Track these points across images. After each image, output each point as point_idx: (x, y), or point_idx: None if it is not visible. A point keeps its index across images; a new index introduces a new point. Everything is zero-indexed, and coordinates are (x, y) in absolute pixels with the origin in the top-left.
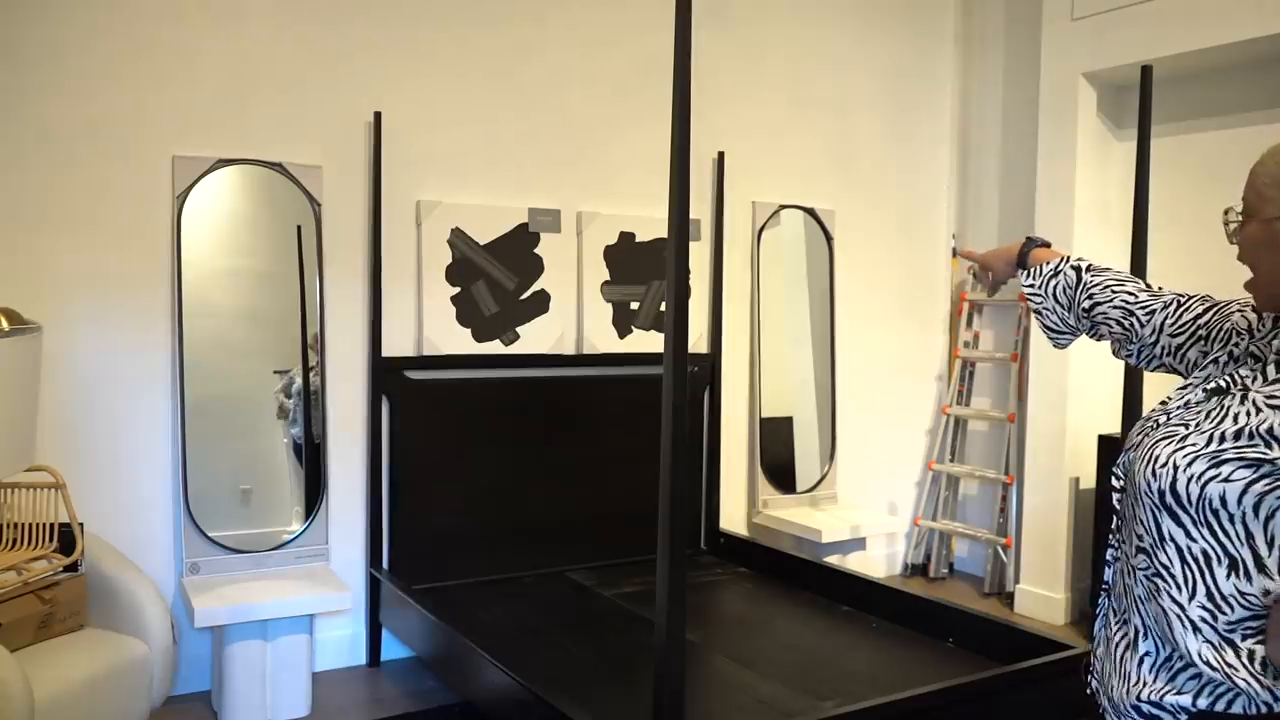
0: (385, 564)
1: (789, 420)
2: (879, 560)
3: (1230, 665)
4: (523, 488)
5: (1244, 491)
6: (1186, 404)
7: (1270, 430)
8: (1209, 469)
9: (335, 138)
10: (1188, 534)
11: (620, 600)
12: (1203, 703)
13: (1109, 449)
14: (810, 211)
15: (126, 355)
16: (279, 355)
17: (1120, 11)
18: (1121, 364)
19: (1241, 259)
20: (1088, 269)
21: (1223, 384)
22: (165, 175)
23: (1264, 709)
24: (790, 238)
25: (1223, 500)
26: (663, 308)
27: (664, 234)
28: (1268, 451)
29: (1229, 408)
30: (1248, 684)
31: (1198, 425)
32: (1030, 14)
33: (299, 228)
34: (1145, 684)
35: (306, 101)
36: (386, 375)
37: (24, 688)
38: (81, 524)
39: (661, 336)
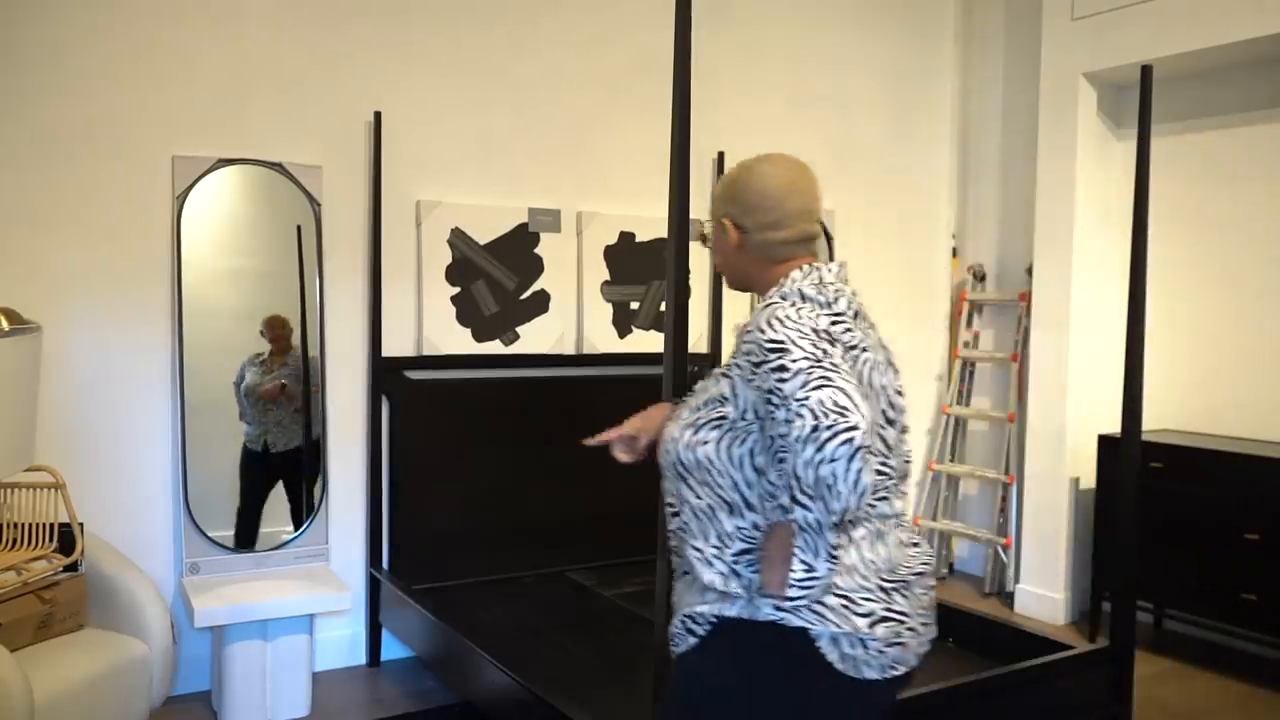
0: (385, 564)
1: None
2: None
3: (734, 591)
4: (523, 488)
5: (717, 446)
6: (694, 391)
7: (722, 395)
8: (693, 435)
9: (335, 138)
10: (695, 494)
11: (620, 600)
12: (714, 610)
13: (1109, 449)
14: None
15: (126, 355)
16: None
17: (1120, 11)
18: (1121, 364)
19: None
20: None
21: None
22: (165, 175)
23: (747, 616)
24: None
25: (709, 459)
26: (663, 308)
27: (664, 234)
28: (722, 409)
29: (706, 384)
30: (741, 597)
31: (688, 403)
32: (1030, 13)
33: (299, 228)
34: (685, 601)
35: (306, 101)
36: (386, 375)
37: (24, 688)
38: (81, 524)
39: (661, 336)
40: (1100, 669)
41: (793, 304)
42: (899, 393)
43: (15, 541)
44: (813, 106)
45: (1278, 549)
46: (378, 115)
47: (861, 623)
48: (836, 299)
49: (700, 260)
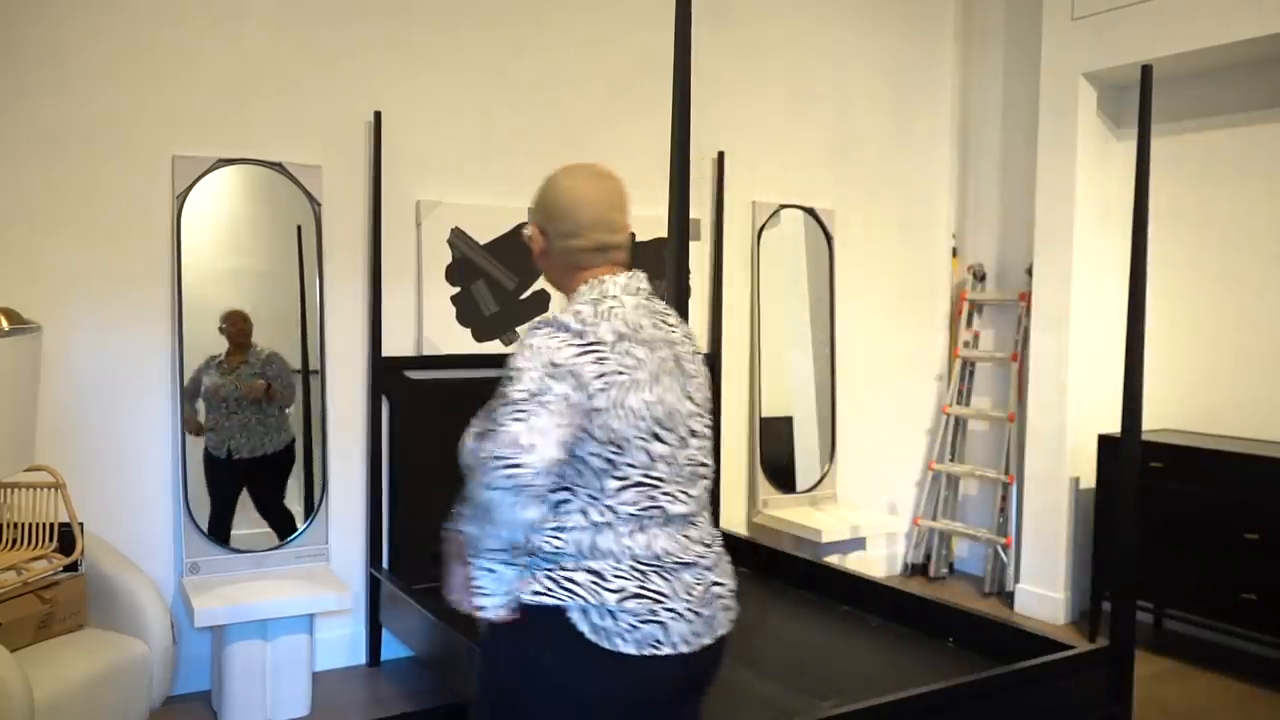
0: (385, 564)
1: (789, 420)
2: (879, 560)
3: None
4: None
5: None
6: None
7: (494, 407)
8: (475, 441)
9: (335, 137)
10: (475, 495)
11: None
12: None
13: (1109, 449)
14: (810, 211)
15: (126, 355)
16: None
17: (1120, 11)
18: (1121, 363)
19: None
20: None
21: None
22: (165, 175)
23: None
24: (790, 238)
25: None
26: None
27: (664, 233)
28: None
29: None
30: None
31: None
32: (1030, 11)
33: (299, 228)
34: None
35: (306, 101)
36: (386, 375)
37: (24, 688)
38: (81, 524)
39: None
40: (1100, 669)
41: (547, 333)
42: (689, 398)
43: (15, 541)
44: (813, 104)
45: (1278, 549)
46: (378, 115)
47: (610, 597)
48: (596, 326)
49: (700, 260)
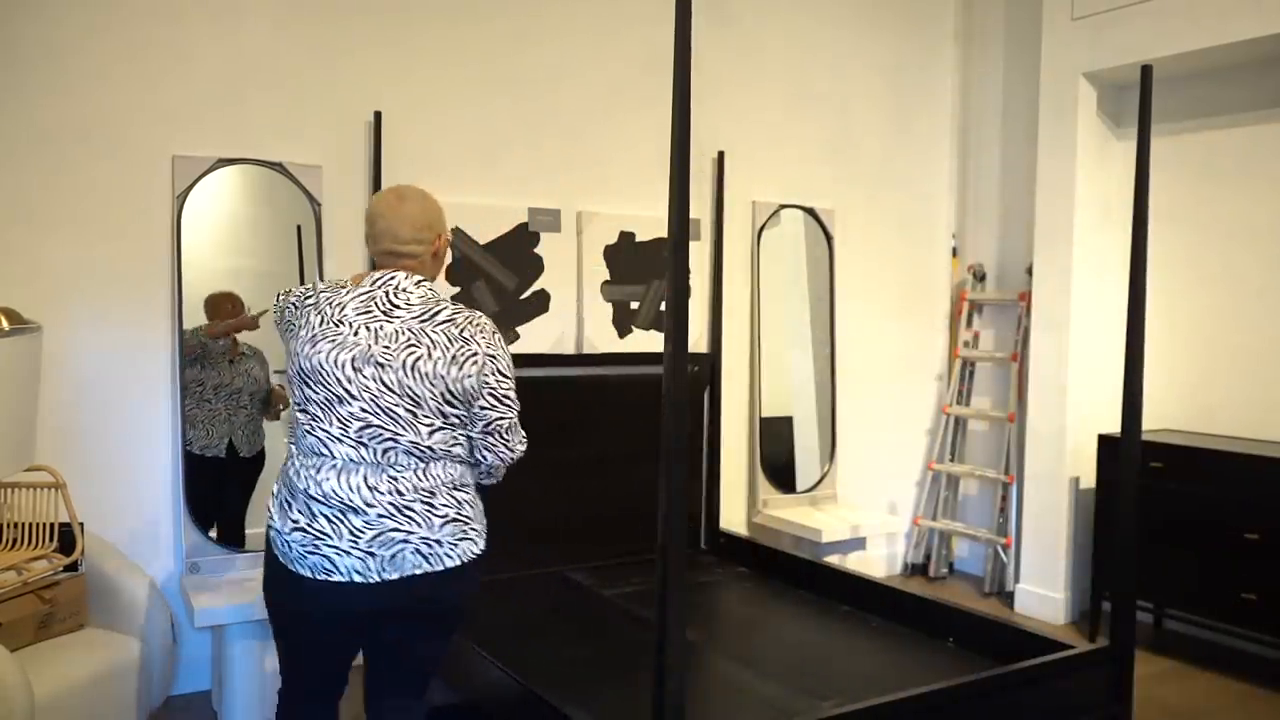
0: None
1: (789, 420)
2: (879, 560)
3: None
4: (522, 488)
5: None
6: None
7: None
8: None
9: (335, 137)
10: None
11: (620, 600)
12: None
13: (1109, 449)
14: (810, 211)
15: (126, 355)
16: (279, 355)
17: (1120, 11)
18: (1121, 363)
19: None
20: None
21: None
22: (165, 175)
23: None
24: (790, 238)
25: None
26: (663, 308)
27: (664, 233)
28: None
29: None
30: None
31: None
32: (1030, 11)
33: (299, 228)
34: None
35: (306, 101)
36: None
37: (24, 687)
38: (81, 524)
39: (661, 336)
40: (1100, 669)
41: (300, 287)
42: (358, 370)
43: (15, 541)
44: (813, 104)
45: (1278, 549)
46: (378, 115)
47: (287, 525)
48: (313, 294)
49: (700, 260)
